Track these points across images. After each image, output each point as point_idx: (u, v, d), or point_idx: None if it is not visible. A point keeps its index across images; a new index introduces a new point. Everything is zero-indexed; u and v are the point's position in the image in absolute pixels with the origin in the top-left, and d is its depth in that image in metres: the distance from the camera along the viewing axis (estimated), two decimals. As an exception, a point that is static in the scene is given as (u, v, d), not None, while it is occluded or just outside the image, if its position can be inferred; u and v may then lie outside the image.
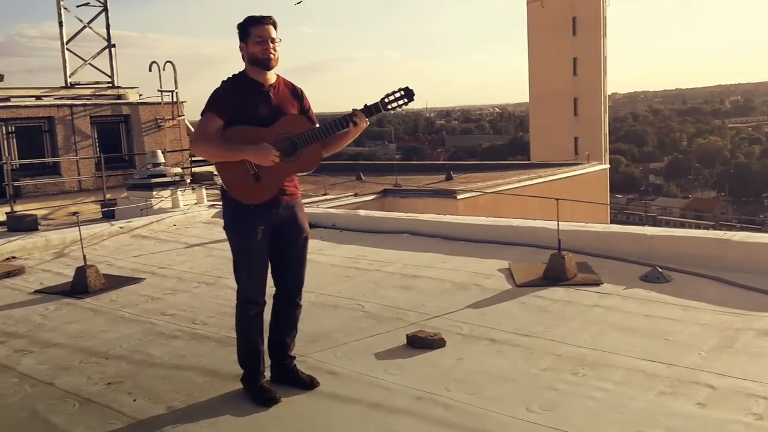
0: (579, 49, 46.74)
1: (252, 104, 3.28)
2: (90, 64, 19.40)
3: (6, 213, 13.48)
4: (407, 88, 3.30)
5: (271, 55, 3.27)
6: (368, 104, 3.31)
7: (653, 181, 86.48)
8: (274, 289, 3.58)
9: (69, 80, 18.79)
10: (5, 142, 15.79)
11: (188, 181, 14.73)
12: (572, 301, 4.76)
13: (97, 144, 16.77)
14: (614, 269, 5.41)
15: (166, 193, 13.08)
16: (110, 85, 19.13)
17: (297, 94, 3.43)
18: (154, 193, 12.97)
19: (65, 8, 18.94)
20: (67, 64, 18.91)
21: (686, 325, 4.21)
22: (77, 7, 19.19)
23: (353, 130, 3.32)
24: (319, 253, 6.55)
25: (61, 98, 17.16)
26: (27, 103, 16.36)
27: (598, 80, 47.90)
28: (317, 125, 3.34)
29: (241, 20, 3.33)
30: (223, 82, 3.34)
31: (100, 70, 19.47)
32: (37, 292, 5.94)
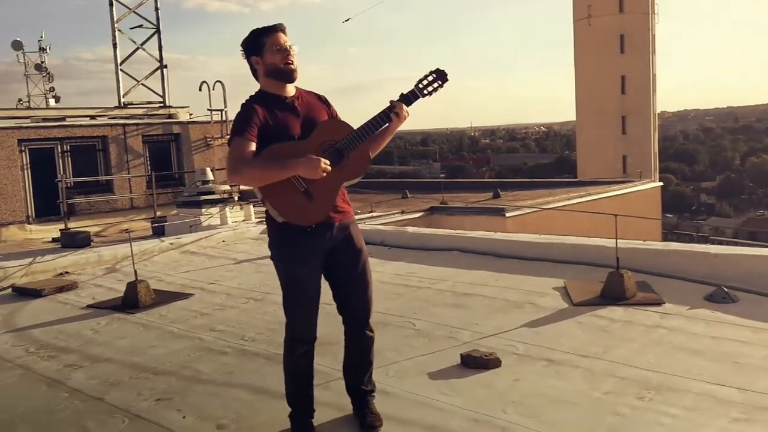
0: (627, 67, 46.12)
1: (280, 120, 2.98)
2: (143, 84, 19.87)
3: (60, 230, 13.80)
4: (438, 69, 3.06)
5: (294, 66, 3.03)
6: (404, 93, 3.05)
7: (705, 201, 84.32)
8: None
9: (122, 100, 19.25)
10: (60, 160, 16.20)
11: (236, 198, 14.87)
12: (633, 321, 4.55)
13: (148, 162, 17.08)
14: (676, 289, 5.17)
15: (215, 210, 13.21)
16: (162, 104, 19.54)
17: (323, 101, 3.18)
18: (203, 210, 13.12)
19: (119, 30, 19.42)
20: (121, 85, 19.39)
21: (757, 348, 3.97)
22: (131, 29, 19.68)
23: (395, 122, 3.04)
24: (368, 270, 6.45)
25: (115, 118, 17.57)
26: (82, 123, 16.77)
27: (647, 98, 47.13)
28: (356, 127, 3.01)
29: (246, 36, 3.07)
30: (243, 104, 3.02)
31: (153, 90, 19.89)
32: (89, 306, 5.98)
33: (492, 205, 14.67)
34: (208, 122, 18.14)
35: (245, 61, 3.12)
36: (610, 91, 46.14)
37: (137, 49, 20.00)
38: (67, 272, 7.34)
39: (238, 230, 9.01)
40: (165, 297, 6.03)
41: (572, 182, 22.12)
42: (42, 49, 22.35)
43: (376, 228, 8.15)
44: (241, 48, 3.10)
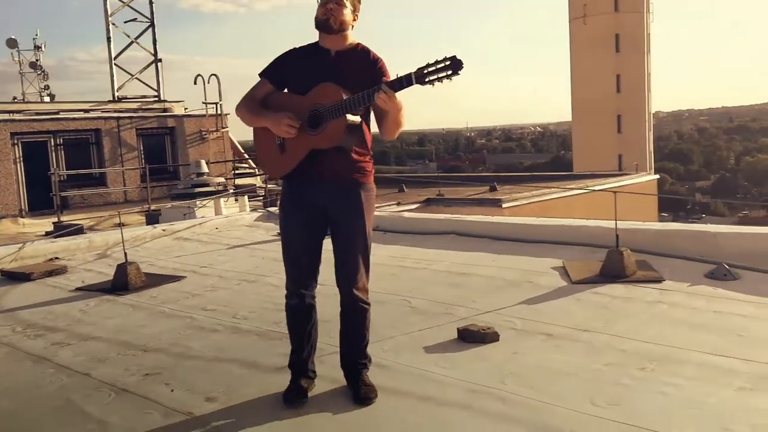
0: (622, 65, 46.18)
1: (310, 70, 3.02)
2: (137, 78, 19.76)
3: (53, 223, 13.69)
4: (454, 57, 2.64)
5: (331, 16, 2.98)
6: (399, 75, 2.76)
7: (700, 200, 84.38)
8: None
9: (117, 94, 19.14)
10: (54, 153, 16.10)
11: (231, 191, 14.77)
12: (633, 298, 4.46)
13: (142, 156, 16.99)
14: (676, 267, 5.08)
15: (209, 202, 13.10)
16: (156, 98, 19.44)
17: (372, 62, 3.03)
18: (198, 202, 13.01)
19: (113, 24, 19.35)
20: (115, 79, 19.29)
21: (761, 322, 3.89)
22: (125, 23, 19.64)
23: (387, 107, 2.83)
24: (363, 253, 6.36)
25: (108, 111, 17.47)
26: (75, 116, 16.68)
27: (642, 97, 47.20)
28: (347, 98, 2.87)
29: None
30: (289, 49, 3.16)
31: (147, 85, 19.83)
32: (78, 289, 5.86)
33: (489, 197, 14.60)
34: (203, 116, 18.08)
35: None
36: (606, 90, 46.20)
37: (131, 43, 19.91)
38: (57, 258, 7.22)
39: (232, 218, 8.90)
40: (156, 279, 5.92)
41: (569, 176, 22.08)
42: (37, 47, 22.26)
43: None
44: None
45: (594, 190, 14.52)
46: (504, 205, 13.20)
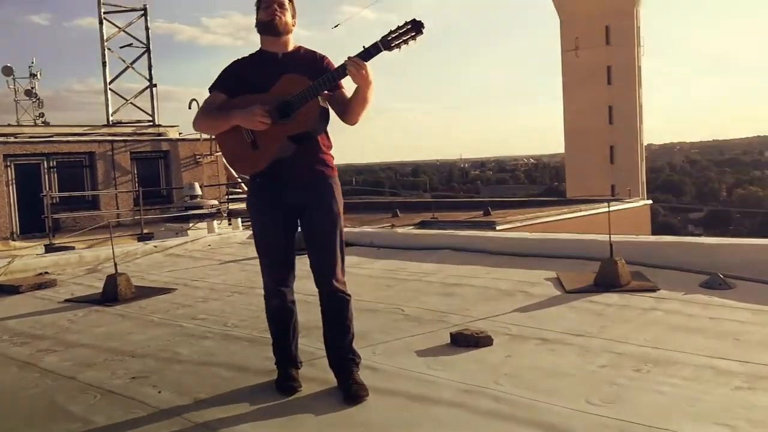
0: (614, 97, 46.61)
1: (259, 75, 3.05)
2: (132, 103, 19.80)
3: (44, 245, 13.58)
4: (414, 19, 2.77)
5: (276, 17, 3.05)
6: (365, 46, 2.85)
7: (692, 231, 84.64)
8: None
9: (111, 119, 19.16)
10: (47, 176, 16.05)
11: (225, 214, 14.74)
12: (628, 305, 4.42)
13: (136, 179, 16.95)
14: (671, 278, 5.05)
15: (202, 224, 13.06)
16: (151, 123, 19.45)
17: (315, 59, 3.13)
18: (191, 224, 12.98)
19: (109, 49, 19.44)
20: (110, 104, 19.32)
21: (758, 327, 3.85)
22: (120, 48, 19.72)
23: (355, 80, 2.89)
24: (357, 266, 6.31)
25: (103, 135, 17.45)
26: (69, 139, 16.66)
27: (634, 128, 47.56)
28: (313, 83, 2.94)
29: None
30: (234, 60, 3.21)
31: (142, 110, 19.86)
32: (66, 301, 5.79)
33: (483, 220, 14.59)
34: (198, 140, 18.08)
35: None
36: (598, 121, 46.56)
37: (127, 68, 19.99)
38: (46, 272, 7.14)
39: (225, 235, 8.85)
40: (146, 292, 5.85)
41: (562, 201, 22.14)
42: (33, 75, 22.29)
43: (365, 230, 8.02)
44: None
45: (585, 221, 14.55)
46: (498, 228, 13.19)
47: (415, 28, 2.77)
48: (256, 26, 3.15)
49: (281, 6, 3.09)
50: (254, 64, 3.13)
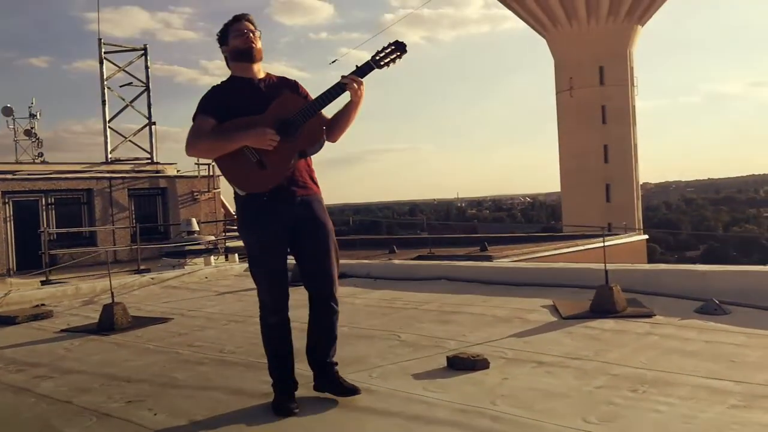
0: (609, 136, 46.95)
1: (243, 99, 3.13)
2: (131, 141, 19.96)
3: (41, 281, 13.55)
4: (397, 41, 3.09)
5: (253, 45, 3.17)
6: (358, 65, 3.08)
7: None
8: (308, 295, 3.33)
9: (110, 156, 19.29)
10: (44, 213, 16.08)
11: (222, 250, 14.74)
12: (624, 330, 4.43)
13: (133, 216, 16.99)
14: (666, 305, 5.06)
15: (200, 260, 13.05)
16: (149, 161, 19.58)
17: (291, 84, 3.27)
18: (188, 260, 12.98)
19: (109, 88, 19.68)
20: (108, 141, 19.47)
21: (753, 349, 3.86)
22: (120, 87, 19.96)
23: (353, 96, 3.09)
24: (353, 296, 6.32)
25: (101, 172, 17.56)
26: (67, 176, 16.75)
27: (629, 166, 47.85)
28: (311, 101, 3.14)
29: (217, 40, 3.30)
30: (211, 87, 3.26)
31: (141, 147, 20.02)
32: (63, 331, 5.77)
33: (480, 254, 14.62)
34: (195, 177, 18.20)
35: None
36: (594, 160, 46.87)
37: (126, 106, 20.21)
38: (43, 304, 7.13)
39: (222, 268, 8.85)
40: (142, 321, 5.85)
41: (559, 236, 22.19)
42: (32, 116, 22.49)
43: (362, 261, 8.03)
44: (218, 44, 3.29)
45: (581, 256, 14.57)
46: (495, 261, 13.21)
47: (399, 48, 3.07)
48: (230, 53, 3.22)
49: (253, 33, 3.21)
50: (235, 91, 3.19)
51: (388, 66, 3.05)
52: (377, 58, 3.05)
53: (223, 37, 3.25)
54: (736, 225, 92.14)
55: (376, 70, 3.06)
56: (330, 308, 3.28)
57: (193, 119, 3.16)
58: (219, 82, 3.28)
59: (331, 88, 3.06)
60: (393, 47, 3.06)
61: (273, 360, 3.32)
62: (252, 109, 3.09)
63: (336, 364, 3.33)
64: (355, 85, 3.03)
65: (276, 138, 3.02)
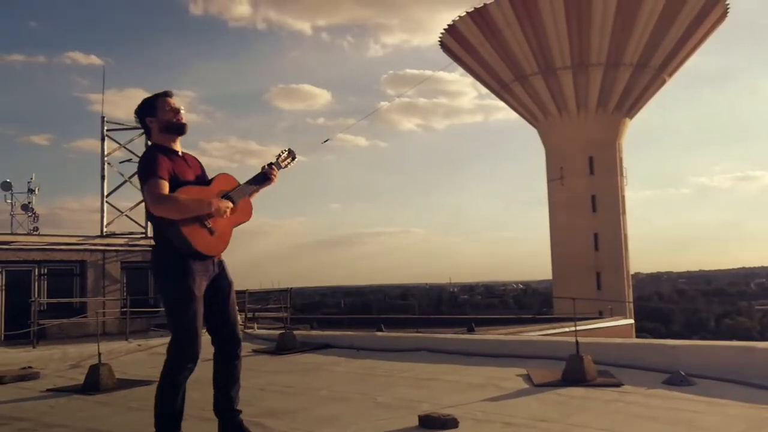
0: (599, 225, 47.55)
1: (178, 168, 3.49)
2: (126, 215, 20.23)
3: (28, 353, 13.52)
4: (289, 149, 3.89)
5: (185, 121, 3.56)
6: (270, 163, 3.77)
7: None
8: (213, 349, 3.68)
9: (105, 230, 19.51)
10: (37, 283, 16.16)
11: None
12: (591, 397, 4.60)
13: (125, 288, 17.07)
14: (635, 376, 5.24)
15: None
16: (144, 235, 19.80)
17: (198, 162, 3.70)
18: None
19: (108, 163, 20.12)
20: (105, 215, 19.74)
21: (711, 415, 4.04)
22: (120, 163, 20.39)
23: (270, 183, 3.72)
24: (334, 365, 6.47)
25: (95, 245, 17.73)
26: (62, 248, 16.91)
27: (620, 254, 48.20)
28: (240, 183, 3.66)
29: (139, 104, 3.62)
30: (146, 152, 3.54)
31: (136, 222, 20.25)
32: (48, 390, 5.88)
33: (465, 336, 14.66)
34: (188, 252, 18.39)
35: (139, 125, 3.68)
36: (584, 248, 47.30)
37: (125, 182, 20.58)
38: (30, 366, 7.22)
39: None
40: (127, 383, 5.96)
41: (546, 319, 22.25)
42: (31, 191, 22.84)
43: (346, 333, 8.17)
44: (135, 114, 3.65)
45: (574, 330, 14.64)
46: (474, 334, 13.28)
47: (290, 155, 3.89)
48: (162, 125, 3.53)
49: (180, 109, 3.60)
50: (172, 160, 3.49)
51: (287, 167, 3.84)
52: (279, 162, 3.79)
53: (151, 109, 3.55)
54: (727, 317, 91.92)
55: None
56: (236, 356, 3.67)
57: (149, 179, 3.35)
58: (151, 144, 3.59)
59: (260, 174, 3.69)
60: (287, 153, 3.87)
61: (167, 421, 3.56)
62: (187, 179, 3.48)
63: (240, 411, 3.68)
64: (275, 177, 3.71)
65: (230, 209, 3.48)
